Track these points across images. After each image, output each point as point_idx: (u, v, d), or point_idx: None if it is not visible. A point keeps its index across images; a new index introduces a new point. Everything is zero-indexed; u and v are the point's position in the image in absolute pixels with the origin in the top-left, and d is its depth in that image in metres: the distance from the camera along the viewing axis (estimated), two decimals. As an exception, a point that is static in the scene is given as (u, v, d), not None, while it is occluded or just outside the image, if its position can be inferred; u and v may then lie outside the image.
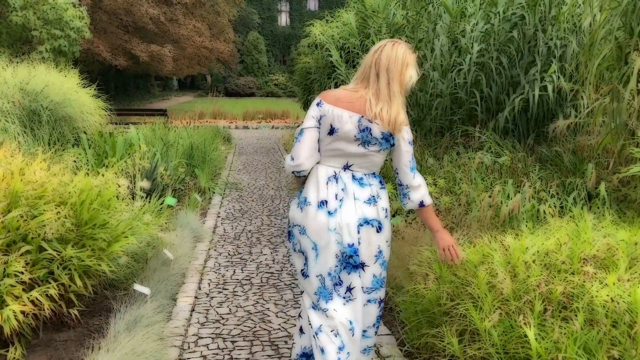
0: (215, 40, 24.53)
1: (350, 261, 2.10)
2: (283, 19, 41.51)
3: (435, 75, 7.00)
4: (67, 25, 10.02)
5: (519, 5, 6.55)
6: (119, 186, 3.89)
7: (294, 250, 2.26)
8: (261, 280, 3.84)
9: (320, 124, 2.14)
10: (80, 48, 16.26)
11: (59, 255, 2.86)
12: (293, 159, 2.14)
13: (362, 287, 2.14)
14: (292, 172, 2.17)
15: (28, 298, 2.67)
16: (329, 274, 2.12)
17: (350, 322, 2.11)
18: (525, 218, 3.31)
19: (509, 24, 6.68)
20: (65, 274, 2.90)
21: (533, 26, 6.52)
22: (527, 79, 6.50)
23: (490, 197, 3.59)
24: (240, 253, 4.48)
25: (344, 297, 2.13)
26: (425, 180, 4.77)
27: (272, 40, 40.83)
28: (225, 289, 3.68)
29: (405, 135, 2.12)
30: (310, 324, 2.15)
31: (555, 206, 3.49)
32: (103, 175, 3.60)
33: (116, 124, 11.67)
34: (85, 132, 6.68)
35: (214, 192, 6.85)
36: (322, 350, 2.08)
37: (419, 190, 2.18)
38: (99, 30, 18.64)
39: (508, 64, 6.75)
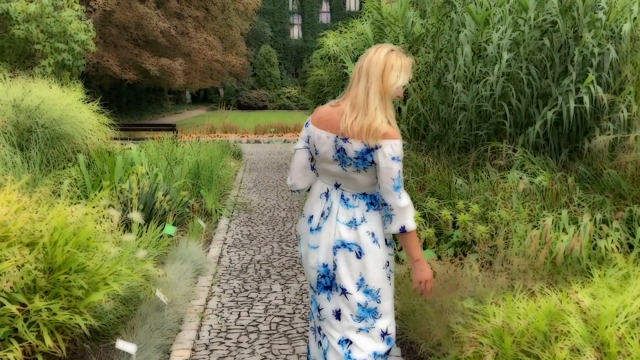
0: (227, 54, 24.27)
1: (322, 281, 2.09)
2: (295, 32, 41.40)
3: (459, 87, 6.47)
4: (71, 38, 9.68)
5: (550, 11, 6.01)
6: (106, 218, 3.40)
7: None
8: (270, 327, 3.31)
9: (309, 143, 2.12)
10: (86, 61, 16.02)
11: (23, 309, 2.37)
12: (290, 179, 2.20)
13: (351, 315, 2.05)
14: (291, 191, 2.19)
15: (-18, 365, 2.17)
16: (312, 288, 2.19)
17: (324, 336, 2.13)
18: (584, 257, 2.76)
19: (540, 31, 6.15)
20: (32, 331, 2.41)
21: (565, 33, 5.97)
22: (559, 90, 5.95)
23: (540, 228, 3.04)
24: (247, 290, 3.96)
25: (318, 317, 2.15)
26: (456, 206, 4.23)
27: (284, 53, 40.68)
28: (228, 339, 3.16)
29: (385, 150, 1.92)
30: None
31: (619, 242, 2.93)
32: (90, 203, 3.12)
33: (125, 139, 11.29)
34: (80, 151, 6.24)
35: (221, 215, 6.36)
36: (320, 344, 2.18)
37: (403, 213, 1.97)
38: (108, 44, 18.42)
39: (538, 74, 6.21)
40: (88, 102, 7.17)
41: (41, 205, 2.92)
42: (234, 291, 3.93)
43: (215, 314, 3.51)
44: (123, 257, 2.69)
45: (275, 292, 3.91)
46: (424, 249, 3.94)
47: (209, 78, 25.70)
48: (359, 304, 2.02)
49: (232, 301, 3.74)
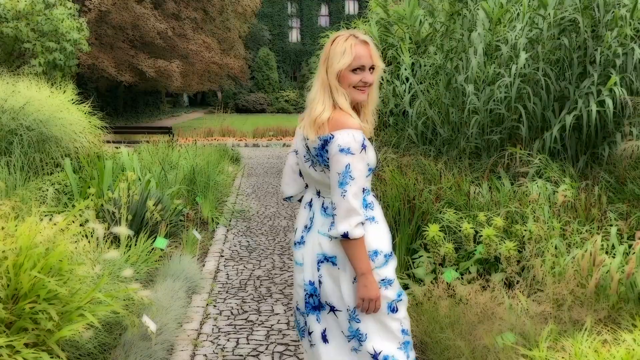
0: (225, 56, 23.89)
1: (310, 301, 1.92)
2: (294, 36, 41.18)
3: (470, 89, 6.09)
4: (63, 37, 9.28)
5: (571, 6, 5.64)
6: (90, 233, 3.02)
7: None
8: (272, 358, 2.91)
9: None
10: (81, 62, 15.62)
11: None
12: (281, 184, 2.09)
13: (342, 332, 1.90)
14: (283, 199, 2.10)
15: None
16: (298, 309, 2.01)
17: None
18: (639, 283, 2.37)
19: (558, 29, 5.78)
20: (-9, 373, 2.01)
21: (584, 32, 5.60)
22: (578, 93, 5.58)
23: (581, 248, 2.65)
24: (246, 311, 3.56)
25: (309, 341, 1.95)
26: (476, 218, 3.85)
27: (282, 57, 40.40)
28: (225, 372, 2.77)
29: (336, 141, 1.74)
30: None
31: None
32: (67, 215, 2.72)
33: (119, 142, 10.89)
34: (69, 155, 5.84)
35: (217, 224, 5.96)
36: None
37: (346, 216, 1.74)
38: (104, 45, 18.04)
39: (556, 75, 5.84)
40: (80, 103, 6.80)
41: (9, 219, 2.53)
42: (231, 313, 3.53)
43: (211, 341, 3.11)
44: (101, 283, 2.29)
45: (277, 314, 3.51)
46: (443, 266, 3.55)
47: (206, 81, 25.33)
48: (348, 321, 1.88)
49: (229, 325, 3.34)
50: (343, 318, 1.87)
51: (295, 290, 2.00)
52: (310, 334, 1.94)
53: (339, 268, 1.85)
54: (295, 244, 1.97)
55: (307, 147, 1.87)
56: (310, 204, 1.96)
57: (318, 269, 1.88)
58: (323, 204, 1.92)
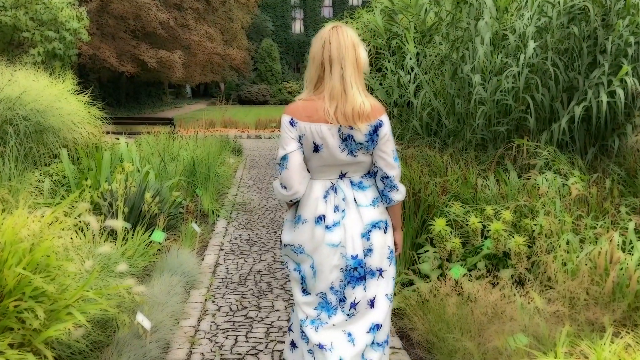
0: (228, 47, 23.70)
1: (354, 274, 2.02)
2: (297, 27, 40.91)
3: (477, 80, 5.93)
4: (62, 26, 9.14)
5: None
6: (86, 226, 2.91)
7: (290, 270, 2.15)
8: (272, 357, 2.80)
9: (301, 143, 2.01)
10: (82, 53, 15.48)
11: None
12: (286, 188, 2.03)
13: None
14: (289, 201, 2.07)
15: None
16: (332, 288, 2.04)
17: (350, 335, 2.02)
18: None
19: (568, 18, 5.62)
20: (-26, 375, 1.91)
21: (595, 20, 5.44)
22: (588, 83, 5.42)
23: (594, 243, 2.52)
24: (245, 307, 3.45)
25: (348, 314, 2.03)
26: (484, 212, 3.72)
27: (286, 48, 40.15)
28: (223, 371, 2.66)
29: (386, 125, 2.00)
30: (304, 339, 2.06)
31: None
32: (56, 208, 2.60)
33: (119, 133, 10.78)
34: (67, 146, 5.73)
35: (218, 216, 5.85)
36: None
37: (400, 182, 2.08)
38: (106, 35, 17.89)
39: (565, 65, 5.68)
40: (80, 94, 6.67)
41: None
42: (230, 309, 3.42)
43: (208, 339, 3.00)
44: (90, 279, 2.17)
45: (278, 310, 3.40)
46: (449, 261, 3.43)
47: (209, 72, 25.16)
48: (393, 278, 2.09)
49: (228, 322, 3.23)
50: (389, 277, 2.06)
51: (324, 276, 2.01)
52: (355, 305, 2.01)
53: (387, 227, 2.08)
54: (327, 227, 2.01)
55: (344, 136, 1.95)
56: (333, 189, 2.04)
57: (368, 239, 2.02)
58: (352, 182, 2.05)
